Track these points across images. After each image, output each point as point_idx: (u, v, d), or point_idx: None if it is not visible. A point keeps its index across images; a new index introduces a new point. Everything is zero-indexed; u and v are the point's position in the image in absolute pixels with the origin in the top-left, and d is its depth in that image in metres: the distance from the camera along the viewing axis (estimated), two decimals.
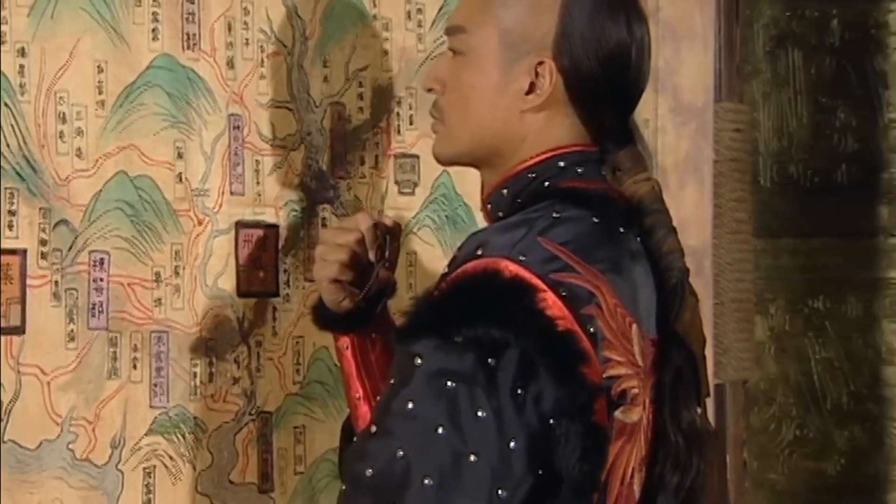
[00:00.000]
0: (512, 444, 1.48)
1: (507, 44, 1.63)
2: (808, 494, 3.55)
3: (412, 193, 2.20)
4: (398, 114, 2.18)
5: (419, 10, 2.20)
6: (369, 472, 1.50)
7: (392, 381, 1.53)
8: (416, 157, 2.20)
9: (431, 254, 2.22)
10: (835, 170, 3.54)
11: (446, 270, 1.60)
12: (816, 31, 3.51)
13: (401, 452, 1.48)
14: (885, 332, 3.54)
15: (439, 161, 1.74)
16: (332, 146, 2.11)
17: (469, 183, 2.26)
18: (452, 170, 2.22)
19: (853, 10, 3.52)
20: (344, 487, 1.54)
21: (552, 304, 1.52)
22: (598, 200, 1.63)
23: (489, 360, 1.49)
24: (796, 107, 3.52)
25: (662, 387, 1.64)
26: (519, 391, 1.49)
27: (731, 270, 2.57)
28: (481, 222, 2.26)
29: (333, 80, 2.11)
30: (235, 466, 2.00)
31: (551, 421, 1.50)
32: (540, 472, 1.50)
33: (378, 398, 1.79)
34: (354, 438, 1.81)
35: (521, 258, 1.53)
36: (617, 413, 1.56)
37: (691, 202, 2.53)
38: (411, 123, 2.19)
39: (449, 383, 1.49)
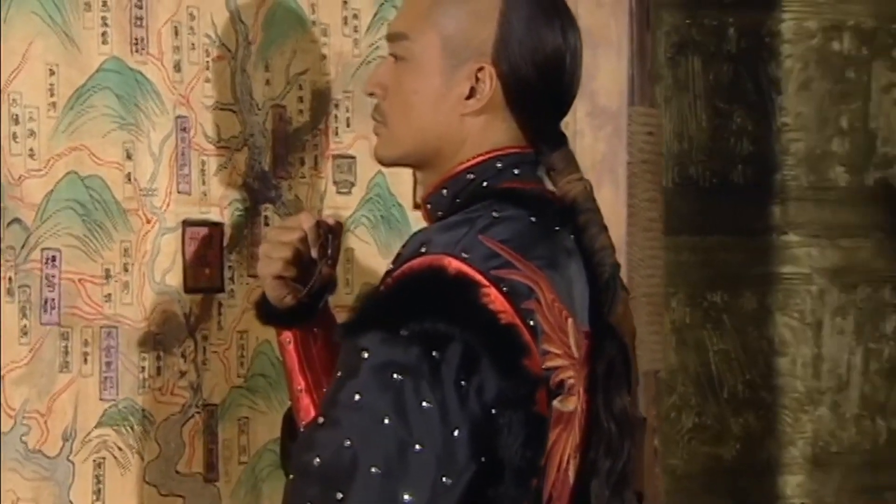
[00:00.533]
0: (456, 433, 1.51)
1: (448, 50, 1.65)
2: (705, 478, 3.64)
3: (349, 193, 2.23)
4: (336, 116, 2.21)
5: (355, 16, 2.22)
6: (317, 461, 1.51)
7: (339, 374, 1.55)
8: (353, 158, 2.23)
9: (367, 251, 2.26)
10: (731, 171, 3.63)
11: (391, 267, 1.63)
12: (714, 38, 3.60)
13: (348, 442, 1.50)
14: (778, 324, 3.65)
15: (382, 163, 1.77)
16: (274, 147, 2.13)
17: (402, 184, 2.31)
18: (386, 171, 2.26)
19: (749, 20, 3.61)
20: (291, 477, 1.56)
21: (494, 298, 1.56)
22: (535, 200, 1.66)
23: (433, 352, 1.51)
24: (696, 111, 3.61)
25: (596, 377, 1.68)
26: (462, 382, 1.52)
27: (643, 266, 2.63)
28: (414, 221, 2.31)
29: (275, 83, 2.13)
30: (182, 457, 2.01)
31: (493, 411, 1.53)
32: (483, 460, 1.53)
33: (322, 390, 1.83)
34: (298, 429, 1.85)
35: (464, 255, 1.56)
36: (555, 402, 1.60)
37: (607, 202, 2.58)
38: (348, 126, 2.22)
39: (395, 375, 1.51)
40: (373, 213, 2.25)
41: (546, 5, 1.69)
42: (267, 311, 1.81)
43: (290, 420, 1.88)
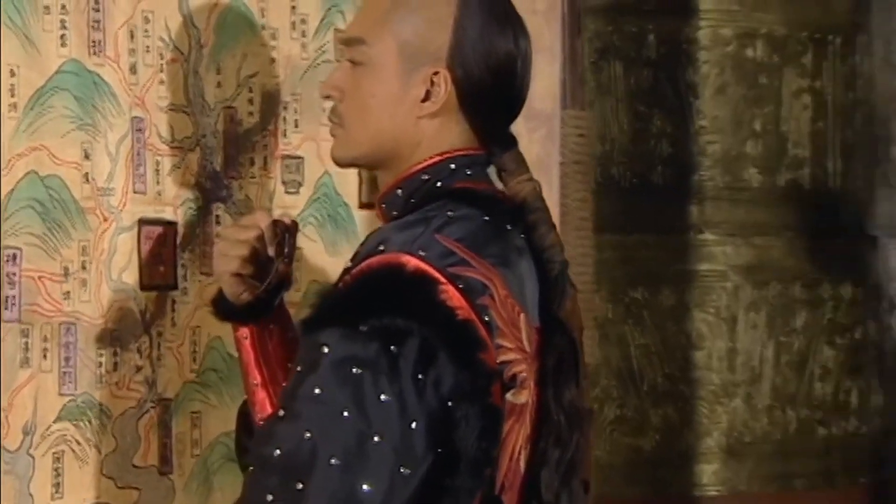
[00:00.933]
0: (413, 425, 1.53)
1: (404, 55, 1.68)
2: (627, 468, 3.71)
3: (297, 193, 2.24)
4: (284, 118, 2.22)
5: (303, 21, 2.24)
6: (277, 453, 1.53)
7: (299, 369, 1.57)
8: (301, 158, 2.25)
9: (314, 249, 2.27)
10: (651, 172, 3.71)
11: (349, 265, 1.65)
12: (635, 45, 3.67)
13: (308, 435, 1.52)
14: (696, 319, 3.73)
15: (338, 163, 1.78)
16: (225, 148, 2.13)
17: (348, 184, 2.33)
18: (333, 171, 2.28)
19: (667, 27, 3.68)
20: (251, 469, 1.57)
21: (451, 295, 1.58)
22: (487, 200, 1.69)
23: (392, 347, 1.53)
24: (617, 114, 3.67)
25: (546, 370, 1.70)
26: (420, 376, 1.54)
27: (575, 264, 2.67)
28: (359, 220, 2.34)
29: (226, 85, 2.13)
30: (138, 450, 2.01)
31: (450, 403, 1.55)
32: (439, 451, 1.55)
33: (278, 385, 1.84)
34: (253, 423, 1.86)
35: (421, 253, 1.59)
36: (508, 395, 1.62)
37: None
38: (296, 127, 2.24)
39: (354, 370, 1.53)
40: (320, 213, 2.27)
41: (498, 13, 1.72)
42: (224, 308, 1.82)
43: (244, 414, 1.89)
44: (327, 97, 1.74)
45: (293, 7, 2.23)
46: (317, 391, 1.54)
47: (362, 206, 2.34)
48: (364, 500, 1.52)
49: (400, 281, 1.58)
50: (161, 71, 2.04)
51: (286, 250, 1.79)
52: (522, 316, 1.66)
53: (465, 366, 1.57)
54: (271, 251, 1.77)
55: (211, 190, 2.12)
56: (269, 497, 1.53)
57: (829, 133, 3.82)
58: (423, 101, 1.68)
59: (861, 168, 3.92)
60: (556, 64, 2.68)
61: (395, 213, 1.72)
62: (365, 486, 1.52)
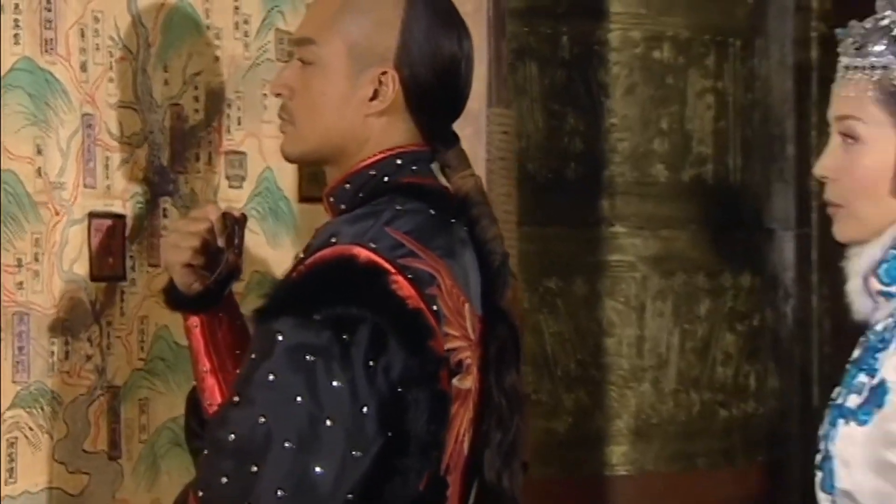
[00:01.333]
0: (364, 409, 1.56)
1: (354, 56, 1.70)
2: (541, 449, 3.76)
3: (240, 187, 2.27)
4: (228, 115, 2.24)
5: (245, 22, 2.26)
6: (232, 437, 1.55)
7: (253, 356, 1.59)
8: (244, 154, 2.27)
9: (256, 242, 2.29)
10: (565, 168, 3.77)
11: (301, 256, 1.68)
12: (550, 46, 3.73)
13: (262, 419, 1.54)
14: (607, 308, 3.80)
15: (288, 159, 1.81)
16: (172, 144, 2.15)
17: (288, 178, 2.36)
18: (274, 166, 2.31)
19: (580, 29, 3.75)
20: (206, 452, 1.59)
21: (402, 285, 1.61)
22: (433, 194, 1.73)
23: (344, 336, 1.56)
24: (533, 113, 3.73)
25: (489, 356, 1.74)
26: (370, 363, 1.57)
27: None
28: (299, 213, 2.37)
29: (173, 83, 2.15)
30: (88, 436, 2.02)
31: (399, 389, 1.59)
32: (389, 434, 1.58)
33: (227, 372, 1.86)
34: (202, 408, 1.88)
35: (372, 245, 1.62)
36: (454, 381, 1.66)
37: None
38: (239, 124, 2.26)
39: (307, 357, 1.55)
40: (262, 206, 2.29)
41: (444, 15, 1.75)
42: (175, 298, 1.84)
43: (193, 400, 1.91)
44: (277, 95, 1.77)
45: (236, 8, 2.25)
46: (271, 377, 1.56)
47: (302, 199, 2.37)
48: (317, 481, 1.54)
49: (352, 271, 1.61)
50: (110, 69, 2.06)
51: (236, 242, 1.82)
52: (467, 305, 1.70)
53: (415, 353, 1.60)
54: (221, 242, 1.80)
55: (158, 184, 2.14)
56: (224, 479, 1.55)
57: (730, 131, 3.92)
58: (371, 99, 1.71)
59: (759, 165, 4.02)
60: (482, 64, 2.71)
61: (343, 206, 1.74)
62: (318, 468, 1.54)
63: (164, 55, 2.14)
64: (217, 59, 2.22)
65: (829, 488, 1.74)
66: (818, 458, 1.78)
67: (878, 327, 1.75)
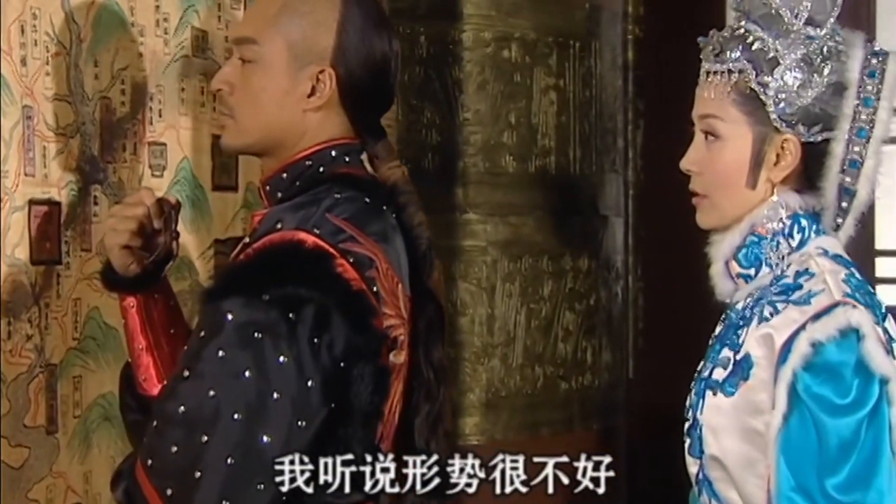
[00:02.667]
0: (309, 383, 1.64)
1: (293, 54, 1.78)
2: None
3: (161, 176, 2.32)
4: (151, 108, 2.30)
5: (165, 20, 2.32)
6: (182, 409, 1.61)
7: (202, 334, 1.65)
8: (164, 144, 2.33)
9: None
10: (423, 159, 3.86)
11: (247, 241, 1.74)
12: (408, 44, 3.81)
13: (212, 392, 1.61)
14: (461, 289, 3.91)
15: (228, 151, 1.89)
16: (102, 135, 2.20)
17: (203, 167, 2.43)
18: (191, 156, 2.38)
19: (436, 29, 3.84)
20: (154, 424, 1.64)
21: (346, 268, 1.69)
22: (367, 184, 1.82)
23: (290, 314, 1.63)
24: (393, 107, 3.83)
25: (418, 332, 1.83)
26: (315, 340, 1.64)
27: None
28: (213, 201, 2.45)
29: (102, 77, 2.20)
30: (28, 412, 2.06)
31: (342, 364, 1.66)
32: (333, 406, 1.66)
33: (164, 348, 1.93)
34: (137, 384, 1.95)
35: (316, 231, 1.69)
36: (391, 356, 1.75)
37: None
38: (160, 116, 2.32)
39: (256, 334, 1.62)
40: (180, 194, 2.35)
41: (375, 17, 1.85)
42: (112, 279, 1.90)
43: (127, 376, 1.98)
44: (218, 90, 1.83)
45: (157, 6, 2.31)
46: (220, 353, 1.62)
47: (215, 188, 2.45)
48: (264, 450, 1.61)
49: (301, 254, 1.68)
50: (47, 63, 2.09)
51: (172, 226, 1.89)
52: (400, 286, 1.78)
53: (360, 331, 1.68)
54: (158, 224, 1.87)
55: (89, 173, 2.18)
56: (174, 448, 1.60)
57: (570, 125, 4.09)
58: (309, 96, 1.79)
59: (595, 156, 4.22)
60: None
61: (279, 194, 1.81)
62: (265, 437, 1.61)
63: (94, 50, 2.18)
64: (141, 54, 2.28)
65: (698, 454, 1.85)
66: (686, 426, 1.89)
67: (738, 306, 1.87)
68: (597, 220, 4.27)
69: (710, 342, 1.95)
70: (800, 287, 1.77)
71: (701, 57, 1.86)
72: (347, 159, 1.84)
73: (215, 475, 1.60)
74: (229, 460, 1.60)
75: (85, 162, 2.17)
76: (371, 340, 1.71)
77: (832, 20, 1.78)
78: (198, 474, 1.60)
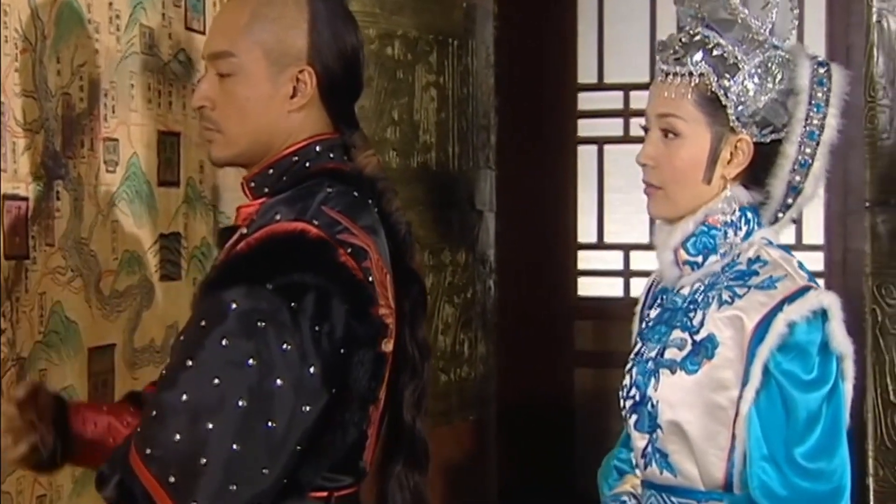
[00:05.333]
0: (311, 369, 1.71)
1: (270, 60, 1.87)
2: None
3: (114, 172, 2.42)
4: (105, 104, 2.40)
5: (117, 17, 2.42)
6: (185, 397, 1.67)
7: (203, 324, 1.71)
8: (117, 140, 2.43)
9: (127, 223, 2.46)
10: None
11: (244, 232, 1.82)
12: None
13: (217, 381, 1.67)
14: None
15: (217, 163, 1.93)
16: (63, 131, 2.28)
17: (150, 164, 2.54)
18: (139, 152, 2.49)
19: None
20: (153, 414, 1.70)
21: (346, 258, 1.79)
22: (353, 178, 1.92)
23: (293, 303, 1.71)
24: None
25: (403, 313, 1.93)
26: (316, 328, 1.73)
27: None
28: (158, 196, 2.56)
29: (63, 73, 2.28)
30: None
31: (342, 350, 1.75)
32: (333, 391, 1.75)
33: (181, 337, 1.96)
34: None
35: (315, 222, 1.79)
36: (382, 344, 1.84)
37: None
38: (113, 112, 2.42)
39: (259, 322, 1.69)
40: (130, 189, 2.46)
41: (340, 12, 1.94)
42: (45, 465, 1.93)
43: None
44: (200, 107, 1.88)
45: (110, 3, 2.41)
46: (224, 342, 1.69)
47: (160, 183, 2.56)
48: (269, 434, 1.69)
49: (304, 244, 1.77)
50: (16, 60, 2.17)
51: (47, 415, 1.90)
52: (388, 276, 1.89)
53: (361, 319, 1.78)
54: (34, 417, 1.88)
55: (53, 169, 2.27)
56: (177, 437, 1.67)
57: (450, 122, 4.28)
58: (292, 97, 1.88)
59: (472, 152, 4.43)
60: None
61: (266, 189, 1.90)
62: (269, 422, 1.69)
63: (56, 47, 2.27)
64: (97, 51, 2.37)
65: (647, 428, 2.03)
66: (628, 403, 2.06)
67: (684, 291, 2.05)
68: (473, 216, 4.47)
69: (642, 325, 2.14)
70: (756, 273, 1.99)
71: (658, 59, 2.06)
72: (332, 155, 1.94)
73: (221, 461, 1.68)
74: (234, 446, 1.68)
75: (49, 157, 2.25)
76: (371, 328, 1.81)
77: (793, 32, 2.02)
78: (203, 461, 1.67)
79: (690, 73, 2.01)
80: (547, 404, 6.03)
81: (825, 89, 2.00)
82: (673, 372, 2.01)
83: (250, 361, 1.69)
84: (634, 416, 2.06)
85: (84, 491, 2.33)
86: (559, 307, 6.10)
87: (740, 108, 1.99)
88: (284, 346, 1.71)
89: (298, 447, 1.73)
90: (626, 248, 5.88)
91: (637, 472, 2.12)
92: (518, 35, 5.48)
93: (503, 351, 5.51)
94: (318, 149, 1.93)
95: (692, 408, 1.98)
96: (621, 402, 2.11)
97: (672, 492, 2.03)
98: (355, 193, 1.90)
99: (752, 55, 1.99)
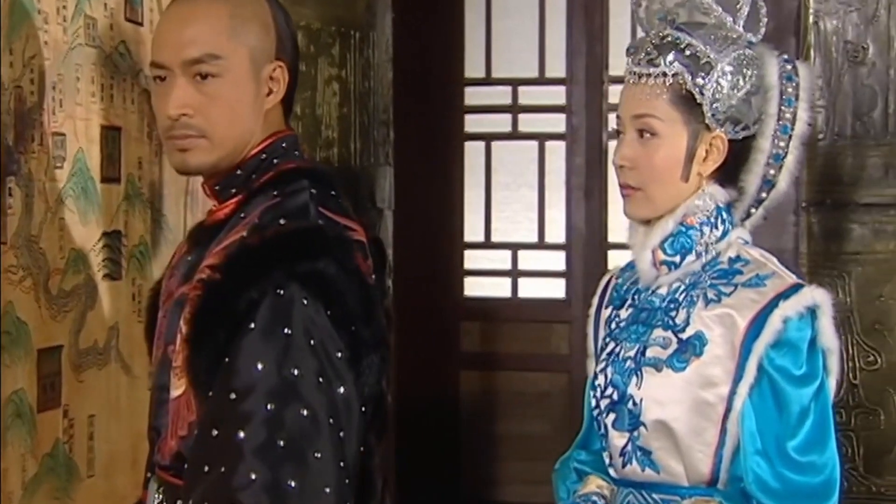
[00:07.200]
0: (339, 354, 1.79)
1: (253, 59, 1.93)
2: None
3: (62, 167, 2.45)
4: (53, 97, 2.42)
5: (64, 7, 2.44)
6: (282, 442, 1.71)
7: (260, 366, 1.74)
8: (64, 135, 2.45)
9: (73, 220, 2.48)
10: None
11: (244, 234, 1.84)
12: None
13: (305, 412, 1.73)
14: None
15: (197, 171, 1.96)
16: (16, 125, 2.30)
17: (94, 160, 2.57)
18: (85, 147, 2.51)
19: None
20: (238, 468, 1.69)
21: (359, 258, 1.87)
22: (323, 175, 1.99)
23: (327, 311, 1.78)
24: None
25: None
26: (352, 328, 1.80)
27: None
28: (102, 193, 2.59)
29: (16, 66, 2.30)
30: None
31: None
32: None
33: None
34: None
35: (321, 222, 1.86)
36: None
37: None
38: (61, 106, 2.44)
39: (312, 341, 1.76)
40: (77, 186, 2.48)
41: (280, 4, 2.01)
42: None
43: None
44: (181, 116, 1.90)
45: None
46: (295, 372, 1.74)
47: (103, 180, 2.59)
48: (345, 445, 1.77)
49: (325, 239, 1.82)
50: None
51: None
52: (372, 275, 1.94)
53: (369, 321, 1.84)
54: None
55: (6, 164, 2.29)
56: (292, 483, 1.70)
57: (352, 117, 4.37)
58: (268, 95, 1.95)
59: (373, 148, 4.52)
60: None
61: (233, 190, 1.96)
62: (342, 433, 1.77)
63: (10, 38, 2.29)
64: (46, 43, 2.39)
65: (627, 426, 2.10)
66: (604, 403, 2.13)
67: (661, 291, 2.15)
68: (374, 213, 4.56)
69: (611, 325, 2.21)
70: (740, 272, 2.12)
71: (630, 60, 2.18)
72: (297, 153, 2.01)
73: (338, 482, 1.75)
74: (341, 463, 1.76)
75: (3, 153, 2.27)
76: (377, 330, 1.86)
77: (763, 29, 2.16)
78: (327, 490, 1.73)
79: (664, 74, 2.13)
80: (434, 406, 6.13)
81: (794, 84, 2.16)
82: (659, 370, 2.09)
83: (320, 379, 1.77)
84: (612, 415, 2.14)
85: (34, 498, 2.35)
86: (447, 307, 6.20)
87: (715, 105, 2.13)
88: (338, 354, 1.80)
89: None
90: (514, 248, 6.02)
91: (612, 471, 2.20)
92: (412, 27, 5.56)
93: (399, 351, 5.61)
94: (283, 145, 1.99)
95: (679, 405, 2.07)
96: (594, 401, 2.19)
97: (654, 489, 2.13)
98: (332, 192, 1.97)
99: (724, 53, 2.13)
